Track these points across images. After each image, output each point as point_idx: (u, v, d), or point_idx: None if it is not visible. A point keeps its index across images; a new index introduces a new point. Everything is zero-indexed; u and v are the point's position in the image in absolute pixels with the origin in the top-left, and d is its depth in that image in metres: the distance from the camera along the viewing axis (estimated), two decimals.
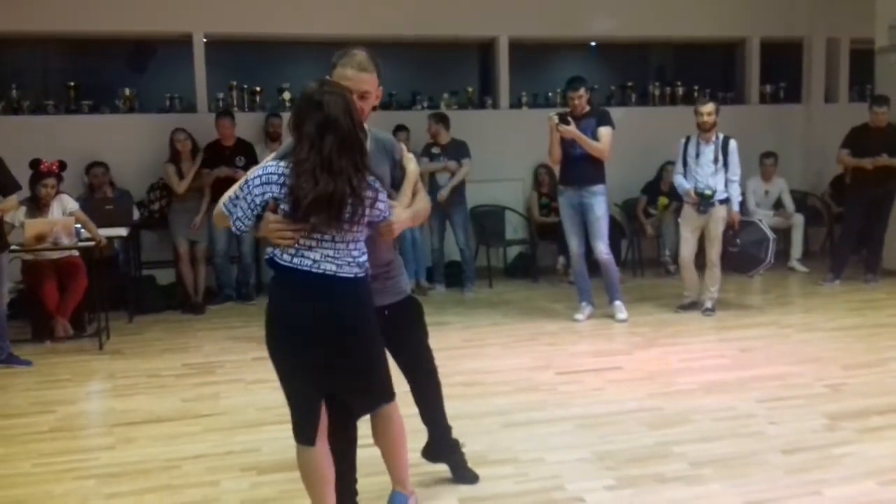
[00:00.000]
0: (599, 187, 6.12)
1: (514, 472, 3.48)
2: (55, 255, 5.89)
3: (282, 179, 2.48)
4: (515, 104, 8.73)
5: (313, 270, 2.51)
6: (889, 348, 5.29)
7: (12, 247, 5.66)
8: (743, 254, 6.47)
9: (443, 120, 7.46)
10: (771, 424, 3.96)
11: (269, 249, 2.60)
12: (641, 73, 9.76)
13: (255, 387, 4.77)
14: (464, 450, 3.43)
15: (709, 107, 6.24)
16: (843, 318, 6.18)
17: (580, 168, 6.09)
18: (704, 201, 6.17)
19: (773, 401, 4.30)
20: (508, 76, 8.55)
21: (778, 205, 8.37)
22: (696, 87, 9.13)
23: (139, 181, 7.36)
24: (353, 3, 8.00)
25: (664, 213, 8.18)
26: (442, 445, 3.35)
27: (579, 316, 6.24)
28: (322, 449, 2.72)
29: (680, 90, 9.13)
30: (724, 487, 3.28)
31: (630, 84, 9.13)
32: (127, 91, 7.81)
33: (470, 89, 8.79)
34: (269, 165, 2.53)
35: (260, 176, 2.50)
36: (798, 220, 8.27)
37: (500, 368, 5.06)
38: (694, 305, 6.48)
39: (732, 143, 6.28)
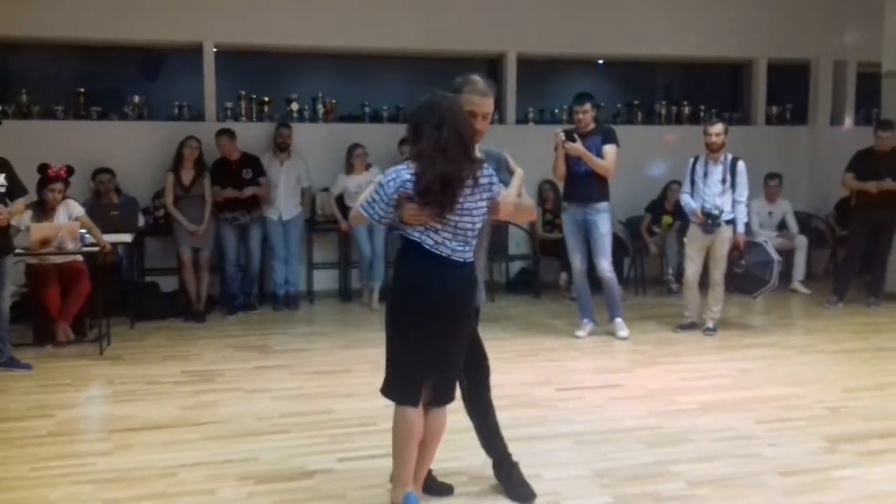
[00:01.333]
0: (604, 204, 6.13)
1: None
2: (59, 259, 5.91)
3: (411, 174, 2.88)
4: (522, 120, 8.76)
5: (438, 252, 2.93)
6: (890, 372, 5.29)
7: (17, 250, 5.69)
8: (747, 275, 6.46)
9: None
10: (770, 446, 3.95)
11: (409, 230, 2.95)
12: (648, 92, 9.78)
13: (254, 396, 4.78)
14: (459, 464, 3.43)
15: (718, 127, 6.24)
16: (845, 340, 6.17)
17: (585, 185, 6.10)
18: (711, 221, 6.17)
19: (772, 422, 4.29)
20: (516, 92, 8.58)
21: (782, 226, 8.38)
22: (702, 107, 9.16)
23: (145, 188, 7.40)
24: (362, 16, 8.05)
25: (668, 232, 8.18)
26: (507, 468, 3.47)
27: (580, 333, 6.24)
28: (420, 411, 3.05)
29: (686, 109, 9.15)
30: None
31: (637, 102, 9.16)
32: (136, 98, 7.86)
33: None
34: (401, 168, 2.92)
35: (394, 179, 2.90)
36: (801, 241, 8.26)
37: (500, 383, 4.97)
38: (693, 326, 6.47)
39: (741, 165, 6.28)
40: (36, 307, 6.02)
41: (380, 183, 2.93)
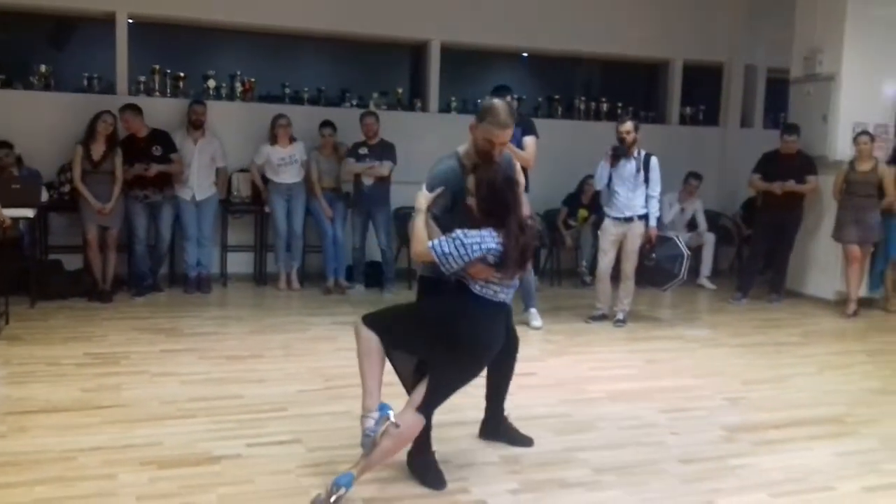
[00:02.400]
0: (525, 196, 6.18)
1: None
2: None
3: (497, 243, 3.10)
4: (445, 108, 8.76)
5: (494, 300, 3.22)
6: (788, 365, 5.53)
7: None
8: (658, 268, 6.65)
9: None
10: (672, 434, 4.08)
11: (470, 282, 3.19)
12: (569, 87, 9.94)
13: (160, 379, 4.65)
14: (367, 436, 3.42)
15: (627, 125, 6.38)
16: (747, 334, 6.42)
17: None
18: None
19: (675, 411, 4.43)
20: (439, 80, 8.58)
21: (692, 223, 8.64)
22: (619, 104, 9.35)
23: (50, 161, 7.08)
24: None
25: (583, 226, 8.34)
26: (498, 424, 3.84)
27: (536, 322, 6.24)
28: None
29: (605, 106, 9.33)
30: (623, 494, 3.37)
31: (557, 97, 9.29)
32: (43, 68, 7.50)
33: (400, 91, 8.78)
34: (486, 236, 3.10)
35: (479, 244, 3.08)
36: (709, 238, 8.55)
37: None
38: (604, 317, 6.63)
39: (654, 160, 6.44)
40: None
41: (462, 241, 3.08)
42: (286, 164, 7.38)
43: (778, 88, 9.09)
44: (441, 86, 8.61)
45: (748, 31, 9.40)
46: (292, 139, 7.43)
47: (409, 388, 3.31)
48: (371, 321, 3.22)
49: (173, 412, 4.10)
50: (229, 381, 4.68)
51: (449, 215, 3.28)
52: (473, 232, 3.11)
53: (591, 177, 8.33)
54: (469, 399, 4.52)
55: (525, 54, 9.62)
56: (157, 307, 6.62)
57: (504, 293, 3.25)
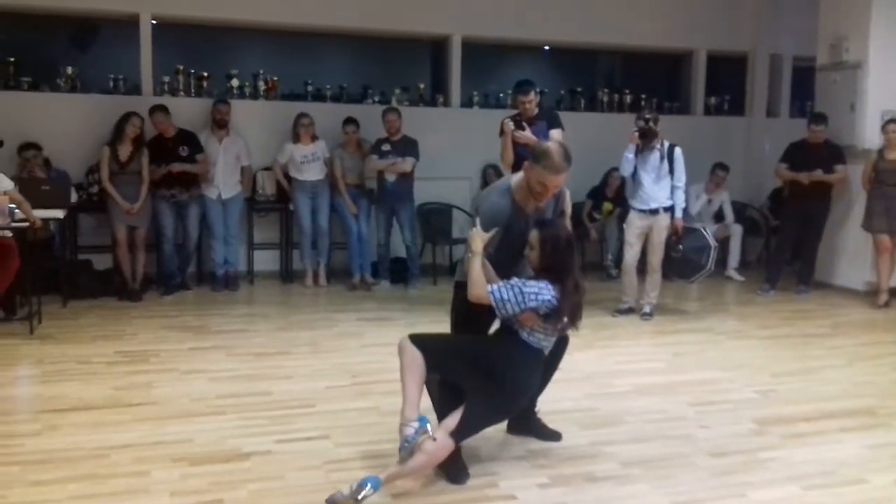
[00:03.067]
0: None
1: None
2: None
3: (553, 296, 3.23)
4: (467, 103, 8.75)
5: (537, 346, 3.34)
6: (817, 357, 5.47)
7: None
8: (684, 260, 6.61)
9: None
10: (700, 428, 4.05)
11: (517, 327, 3.32)
12: (591, 80, 9.88)
13: (189, 377, 4.70)
14: (397, 446, 3.43)
15: (651, 115, 6.39)
16: (775, 326, 6.36)
17: None
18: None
19: (703, 405, 4.40)
20: (461, 75, 8.57)
21: (719, 215, 8.57)
22: (643, 96, 9.29)
23: (77, 163, 7.18)
24: None
25: (608, 219, 8.30)
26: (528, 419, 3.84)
27: None
28: None
29: (628, 98, 9.27)
30: (651, 488, 3.35)
31: (579, 90, 9.24)
32: (69, 70, 7.60)
33: (422, 86, 8.78)
34: (544, 288, 3.23)
35: (537, 295, 3.21)
36: (737, 230, 8.47)
37: None
38: (631, 311, 6.60)
39: (678, 151, 6.40)
40: None
41: (521, 290, 3.20)
42: (309, 162, 7.42)
43: (804, 77, 8.97)
44: (462, 80, 8.60)
45: (773, 19, 9.29)
46: (314, 137, 7.47)
47: (437, 406, 3.43)
48: (418, 341, 3.30)
49: (203, 409, 4.14)
50: (257, 377, 4.72)
51: (502, 253, 3.43)
52: (532, 282, 3.25)
53: (615, 169, 8.29)
54: None
55: (546, 47, 9.58)
56: (185, 305, 6.69)
57: (547, 342, 3.37)
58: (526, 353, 3.34)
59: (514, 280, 3.25)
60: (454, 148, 8.20)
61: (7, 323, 5.77)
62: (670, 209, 6.39)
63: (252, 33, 8.70)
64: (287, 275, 7.79)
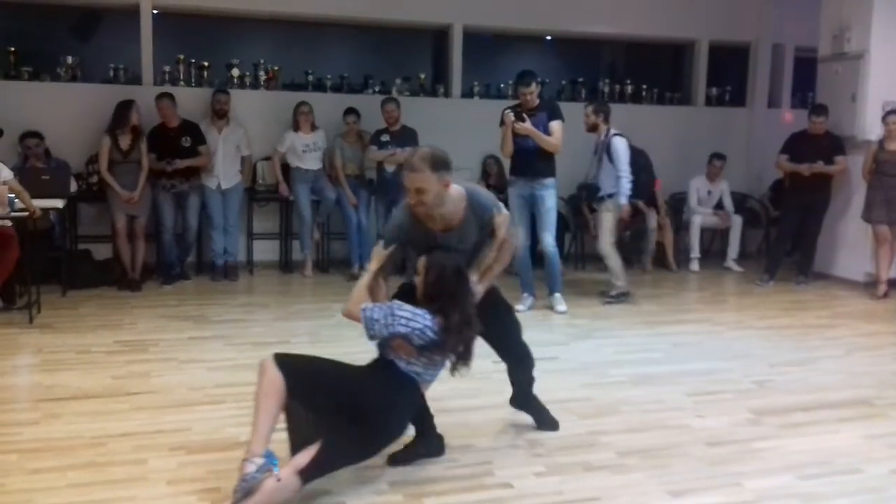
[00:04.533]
0: (550, 180, 6.20)
1: (445, 457, 3.50)
2: None
3: (434, 333, 3.09)
4: (467, 93, 8.74)
5: (415, 379, 3.18)
6: (815, 348, 5.47)
7: None
8: (628, 245, 6.88)
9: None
10: (697, 417, 4.07)
11: (392, 355, 3.17)
12: (593, 70, 9.86)
13: (188, 366, 4.72)
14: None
15: (588, 109, 6.65)
16: (774, 317, 6.36)
17: (532, 160, 6.14)
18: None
19: (700, 395, 4.41)
20: (462, 65, 8.55)
21: (719, 205, 8.56)
22: (644, 87, 9.27)
23: (78, 152, 7.18)
24: None
25: None
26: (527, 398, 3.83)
27: (520, 306, 6.29)
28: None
29: (629, 88, 9.24)
30: (647, 477, 3.36)
31: (581, 80, 9.22)
32: (70, 59, 7.59)
33: (422, 76, 8.77)
34: (419, 315, 3.07)
35: (410, 321, 3.06)
36: (736, 221, 8.47)
37: None
38: (623, 295, 6.68)
39: (616, 141, 6.54)
40: None
41: (392, 312, 3.06)
42: (310, 151, 7.42)
43: (806, 68, 8.94)
44: (464, 71, 8.58)
45: (775, 9, 9.25)
46: (314, 127, 7.47)
47: (293, 440, 3.07)
48: (283, 362, 3.00)
49: (201, 398, 4.16)
50: (255, 367, 4.71)
51: (412, 272, 3.30)
52: (408, 307, 3.08)
53: None
54: (491, 384, 4.55)
55: (548, 37, 9.55)
56: (184, 295, 6.70)
57: (429, 375, 3.22)
58: (401, 387, 3.15)
59: (394, 302, 3.13)
60: (455, 138, 8.08)
61: (6, 312, 5.78)
62: (612, 196, 6.55)
63: (253, 23, 8.69)
64: (286, 265, 7.80)
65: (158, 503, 3.06)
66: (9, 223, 5.76)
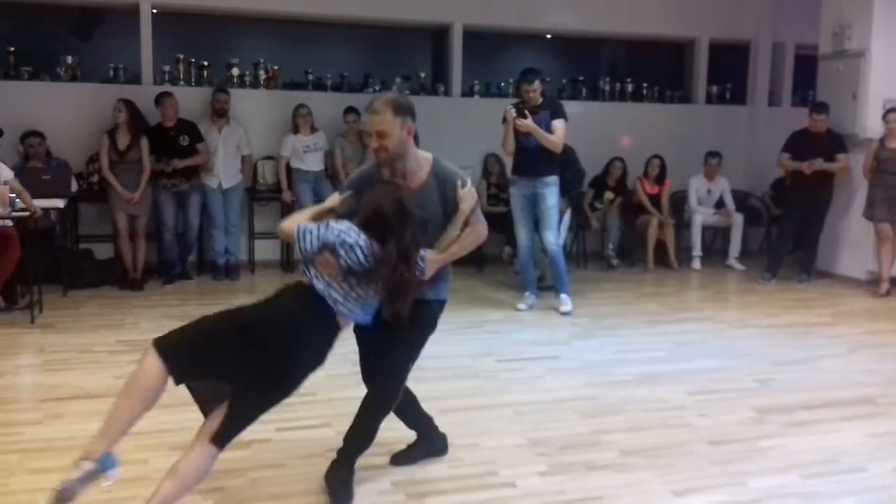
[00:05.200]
0: (552, 178, 6.16)
1: (448, 456, 3.50)
2: None
3: (365, 255, 2.80)
4: (468, 92, 8.73)
5: (331, 307, 2.83)
6: (818, 346, 5.47)
7: None
8: None
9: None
10: (700, 416, 4.06)
11: (314, 275, 2.84)
12: (593, 68, 9.85)
13: None
14: (399, 434, 3.44)
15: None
16: (777, 315, 6.35)
17: (534, 159, 6.10)
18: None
19: (703, 393, 4.40)
20: (462, 64, 8.54)
21: (719, 203, 8.55)
22: (645, 85, 9.26)
23: (79, 152, 7.17)
24: None
25: (610, 208, 8.28)
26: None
27: (522, 305, 6.29)
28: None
29: (630, 87, 9.24)
30: (650, 476, 3.36)
31: (581, 79, 9.21)
32: (69, 59, 7.58)
33: (422, 75, 8.76)
34: (352, 230, 2.82)
35: (342, 231, 2.80)
36: (738, 219, 8.46)
37: (441, 354, 5.05)
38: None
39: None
40: None
41: (329, 224, 2.83)
42: (311, 151, 7.42)
43: (806, 65, 8.93)
44: (464, 69, 8.57)
45: (775, 7, 9.24)
46: (314, 128, 7.47)
47: (204, 410, 2.85)
48: (165, 350, 2.67)
49: None
50: None
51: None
52: (346, 222, 2.87)
53: (617, 159, 8.30)
54: (494, 383, 4.55)
55: (548, 36, 9.54)
56: (186, 294, 6.70)
57: (346, 308, 2.84)
58: (313, 308, 2.80)
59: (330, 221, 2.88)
60: (455, 137, 8.15)
61: (8, 312, 5.77)
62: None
63: (253, 22, 8.68)
64: (288, 264, 7.79)
65: None
66: (10, 223, 5.75)
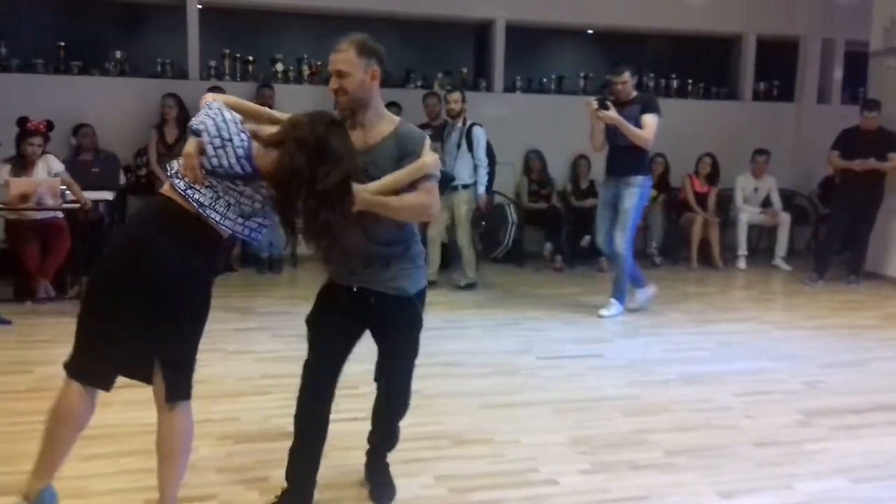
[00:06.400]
0: (637, 178, 5.84)
1: (490, 452, 3.50)
2: (39, 215, 5.84)
3: (235, 157, 2.45)
4: (510, 88, 8.70)
5: (190, 199, 2.46)
6: (867, 349, 5.35)
7: None
8: (485, 237, 7.03)
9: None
10: (746, 418, 4.00)
11: (178, 179, 2.49)
12: (637, 64, 9.72)
13: (235, 357, 4.77)
14: (441, 428, 3.45)
15: (455, 95, 6.68)
16: (824, 317, 6.23)
17: (621, 158, 5.85)
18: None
19: (749, 395, 4.34)
20: (504, 59, 8.51)
21: (766, 202, 8.42)
22: (690, 81, 9.14)
23: (127, 145, 7.30)
24: None
25: (653, 206, 8.18)
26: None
27: (603, 312, 5.97)
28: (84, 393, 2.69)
29: (675, 82, 9.12)
30: (696, 477, 3.31)
31: None
32: (118, 54, 7.72)
33: (464, 70, 8.75)
34: (243, 134, 2.48)
35: (218, 127, 2.45)
36: (785, 218, 8.31)
37: (481, 350, 5.08)
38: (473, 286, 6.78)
39: (476, 130, 6.64)
40: (16, 263, 5.95)
41: (220, 106, 2.51)
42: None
43: (857, 62, 8.74)
44: (506, 65, 8.54)
45: (825, 2, 9.06)
46: None
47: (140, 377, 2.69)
48: (71, 364, 2.60)
49: (248, 389, 4.20)
50: (301, 359, 4.71)
51: None
52: (239, 117, 2.53)
53: (660, 156, 8.20)
54: (536, 380, 4.54)
55: (591, 31, 9.46)
56: (230, 287, 6.77)
57: (216, 216, 2.46)
58: (166, 215, 2.45)
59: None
60: (497, 133, 8.12)
61: (58, 302, 5.91)
62: (472, 186, 6.68)
63: (296, 17, 8.74)
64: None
65: (208, 491, 3.11)
66: (61, 215, 5.89)
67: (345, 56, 2.71)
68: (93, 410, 2.67)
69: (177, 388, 2.58)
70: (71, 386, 2.58)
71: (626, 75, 5.85)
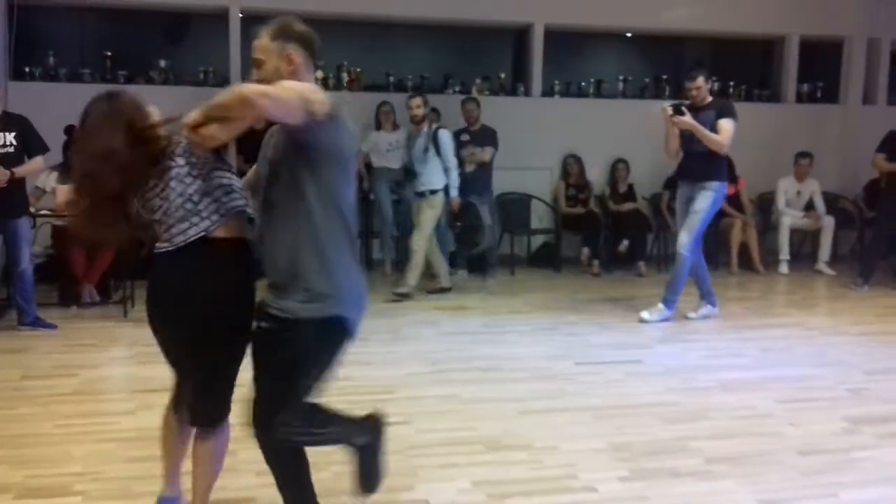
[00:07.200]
0: (711, 183, 5.74)
1: (528, 458, 3.48)
2: None
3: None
4: (548, 92, 8.67)
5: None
6: None
7: (42, 211, 5.74)
8: (461, 239, 7.02)
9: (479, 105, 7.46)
10: (789, 425, 3.93)
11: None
12: (677, 67, 9.64)
13: None
14: (476, 433, 3.44)
15: (416, 100, 6.68)
16: (869, 323, 6.10)
17: (694, 163, 5.80)
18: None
19: (792, 402, 4.26)
20: (542, 64, 8.49)
21: (809, 205, 8.27)
22: (732, 83, 9.02)
23: None
24: None
25: None
26: None
27: (645, 314, 5.93)
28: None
29: (716, 85, 9.00)
30: (738, 485, 3.26)
31: (665, 77, 9.04)
32: (162, 63, 7.87)
33: (503, 75, 8.75)
34: None
35: None
36: (828, 222, 8.16)
37: (518, 356, 5.06)
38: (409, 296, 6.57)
39: (442, 133, 6.63)
40: (62, 268, 6.09)
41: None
42: (394, 149, 7.49)
43: None
44: (544, 69, 8.52)
45: (869, 2, 8.88)
46: (396, 125, 7.55)
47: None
48: (171, 405, 2.96)
49: None
50: (342, 363, 4.79)
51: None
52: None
53: None
54: (574, 385, 4.51)
55: (629, 34, 9.40)
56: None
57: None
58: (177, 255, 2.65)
59: None
60: (535, 138, 8.14)
61: (103, 306, 6.03)
62: (443, 190, 6.62)
63: (336, 25, 8.80)
64: (366, 263, 7.89)
65: (247, 493, 3.15)
66: None
67: (258, 42, 2.54)
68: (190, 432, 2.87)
69: (206, 413, 2.82)
70: (168, 417, 2.95)
71: (700, 80, 5.77)
